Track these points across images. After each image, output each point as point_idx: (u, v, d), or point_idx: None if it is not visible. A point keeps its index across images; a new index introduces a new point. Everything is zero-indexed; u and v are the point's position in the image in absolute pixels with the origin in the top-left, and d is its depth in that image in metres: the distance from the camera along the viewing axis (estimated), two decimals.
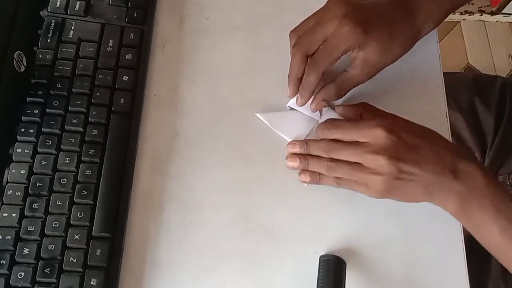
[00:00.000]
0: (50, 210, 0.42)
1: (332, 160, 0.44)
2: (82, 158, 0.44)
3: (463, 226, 0.46)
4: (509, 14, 1.44)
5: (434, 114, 0.51)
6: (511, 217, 0.41)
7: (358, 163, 0.42)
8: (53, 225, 0.42)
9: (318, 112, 0.49)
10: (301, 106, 0.48)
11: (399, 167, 0.40)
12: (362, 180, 0.42)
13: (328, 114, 0.48)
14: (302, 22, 0.46)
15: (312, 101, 0.47)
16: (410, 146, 0.41)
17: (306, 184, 0.47)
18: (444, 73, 0.53)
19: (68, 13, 0.48)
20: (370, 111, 0.47)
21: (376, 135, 0.41)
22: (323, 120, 0.48)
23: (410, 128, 0.43)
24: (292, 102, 0.49)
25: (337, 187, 0.45)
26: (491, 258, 0.62)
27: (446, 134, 0.50)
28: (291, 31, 0.46)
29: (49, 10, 0.48)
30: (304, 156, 0.46)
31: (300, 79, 0.46)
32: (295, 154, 0.47)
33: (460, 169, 0.41)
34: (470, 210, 0.41)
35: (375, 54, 0.44)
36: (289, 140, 0.48)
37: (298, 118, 0.49)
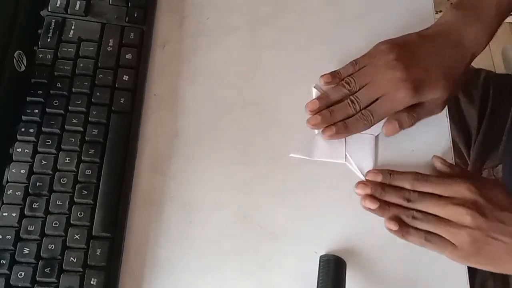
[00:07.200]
0: (50, 209, 0.42)
1: (418, 211, 0.43)
2: (82, 158, 0.44)
3: None
4: None
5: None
6: None
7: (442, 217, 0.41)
8: (53, 224, 0.42)
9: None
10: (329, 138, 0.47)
11: (485, 223, 0.39)
12: (449, 236, 0.41)
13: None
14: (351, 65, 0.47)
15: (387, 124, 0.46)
16: (497, 206, 0.40)
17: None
18: None
19: (68, 12, 0.48)
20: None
21: (462, 190, 0.41)
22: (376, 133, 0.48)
23: (500, 190, 0.42)
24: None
25: (421, 246, 0.44)
26: None
27: (446, 134, 0.50)
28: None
29: (49, 10, 0.48)
30: (385, 202, 0.45)
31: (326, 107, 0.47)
32: (372, 196, 0.45)
33: None
34: None
35: (437, 98, 0.45)
36: (337, 161, 0.47)
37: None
